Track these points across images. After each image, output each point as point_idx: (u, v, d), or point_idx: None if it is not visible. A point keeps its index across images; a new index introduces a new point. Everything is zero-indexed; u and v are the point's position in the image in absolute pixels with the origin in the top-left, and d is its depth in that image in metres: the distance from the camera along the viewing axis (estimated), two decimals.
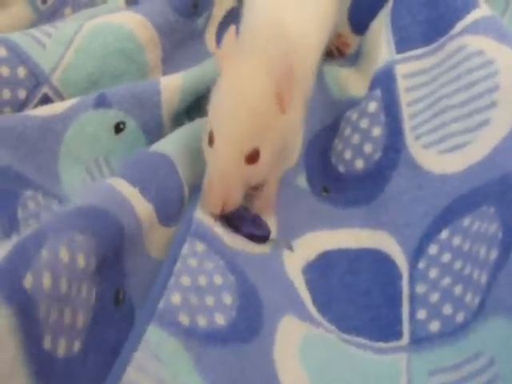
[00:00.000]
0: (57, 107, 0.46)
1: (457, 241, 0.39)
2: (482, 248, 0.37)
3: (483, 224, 0.38)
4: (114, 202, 0.36)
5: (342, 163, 0.46)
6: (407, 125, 0.45)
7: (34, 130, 0.44)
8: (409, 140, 0.44)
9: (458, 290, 0.37)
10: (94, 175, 0.46)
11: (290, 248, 0.42)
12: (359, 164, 0.46)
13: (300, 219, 0.44)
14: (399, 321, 0.39)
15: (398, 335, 0.38)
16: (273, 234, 0.42)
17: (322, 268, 0.42)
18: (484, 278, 0.35)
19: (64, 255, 0.31)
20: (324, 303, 0.40)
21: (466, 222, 0.39)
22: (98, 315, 0.33)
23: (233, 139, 0.37)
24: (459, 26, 0.44)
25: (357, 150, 0.46)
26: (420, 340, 0.37)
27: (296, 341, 0.36)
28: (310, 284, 0.41)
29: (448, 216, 0.40)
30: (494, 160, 0.39)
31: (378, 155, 0.45)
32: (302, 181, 0.46)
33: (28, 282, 0.29)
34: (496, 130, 0.40)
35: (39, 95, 0.48)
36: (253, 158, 0.38)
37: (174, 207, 0.39)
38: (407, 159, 0.44)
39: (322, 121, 0.48)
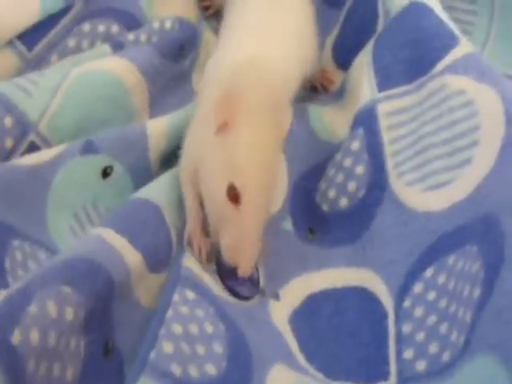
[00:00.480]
0: (44, 155, 0.46)
1: (442, 279, 0.39)
2: (465, 286, 0.37)
3: (467, 262, 0.38)
4: (102, 253, 0.36)
5: (325, 202, 0.46)
6: (390, 163, 0.45)
7: (21, 178, 0.44)
8: (392, 177, 0.44)
9: (443, 328, 0.37)
10: (82, 221, 0.46)
11: (277, 298, 0.42)
12: (343, 202, 0.46)
13: (286, 265, 0.43)
14: (386, 361, 0.38)
15: (385, 375, 0.38)
16: (261, 283, 0.41)
17: (308, 313, 0.42)
18: (468, 316, 0.35)
19: (52, 310, 0.31)
20: (311, 350, 0.40)
21: (451, 260, 0.39)
22: (87, 368, 0.33)
23: (267, 204, 0.39)
24: (440, 65, 0.45)
25: (341, 189, 0.46)
26: (407, 380, 0.37)
27: None
28: (297, 332, 0.40)
29: (433, 254, 0.40)
30: (477, 198, 0.39)
31: (361, 193, 0.45)
32: (287, 225, 0.46)
33: (16, 338, 0.29)
34: (478, 169, 0.40)
35: (26, 143, 0.48)
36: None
37: (162, 254, 0.39)
38: (391, 197, 0.44)
39: (308, 163, 0.48)
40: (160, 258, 0.39)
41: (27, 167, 0.45)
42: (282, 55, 0.46)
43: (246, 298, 0.40)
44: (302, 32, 0.50)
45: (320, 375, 0.38)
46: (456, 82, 0.43)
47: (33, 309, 0.30)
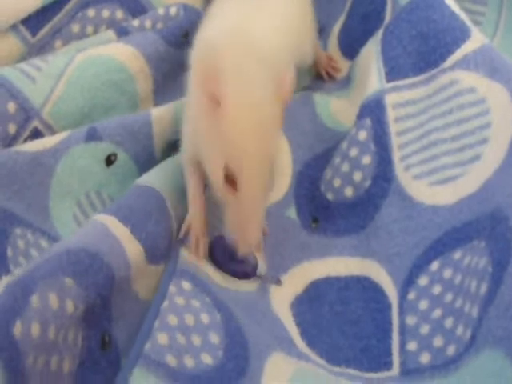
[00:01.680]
0: (47, 142, 0.46)
1: (447, 273, 0.39)
2: (472, 281, 0.37)
3: (474, 258, 0.37)
4: (105, 245, 0.35)
5: (330, 191, 0.46)
6: (396, 155, 0.45)
7: (24, 164, 0.44)
8: (398, 170, 0.44)
9: (448, 322, 0.37)
10: (85, 209, 0.46)
11: (279, 283, 0.41)
12: (348, 192, 0.45)
13: (289, 252, 0.43)
14: (389, 352, 0.38)
15: (388, 366, 0.38)
16: (262, 269, 0.41)
17: (311, 299, 0.41)
18: (475, 312, 0.35)
19: (53, 302, 0.31)
20: (313, 336, 0.40)
21: (457, 255, 0.39)
22: (85, 361, 0.33)
23: (264, 182, 0.36)
24: (450, 59, 0.44)
25: (346, 178, 0.46)
26: (410, 371, 0.37)
27: (284, 377, 0.36)
28: (299, 317, 0.40)
29: (439, 248, 0.40)
30: (486, 194, 0.39)
31: (367, 183, 0.45)
32: (291, 213, 0.46)
33: (17, 330, 0.29)
34: (487, 165, 0.40)
35: (29, 129, 0.48)
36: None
37: (162, 245, 0.39)
38: (397, 189, 0.44)
39: (313, 150, 0.48)
40: (159, 250, 0.39)
41: (30, 154, 0.45)
42: (269, 30, 0.42)
43: (246, 277, 0.40)
44: (293, 18, 0.48)
45: (322, 361, 0.38)
46: (467, 78, 0.43)
47: (35, 300, 0.30)
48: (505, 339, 0.32)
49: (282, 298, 0.41)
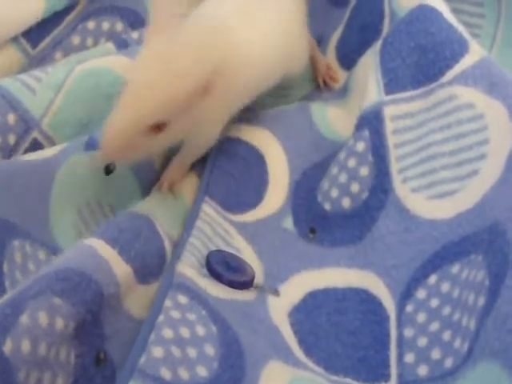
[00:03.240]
0: (47, 152, 0.46)
1: (445, 287, 0.39)
2: (470, 295, 0.37)
3: (472, 271, 0.37)
4: (92, 264, 0.36)
5: (328, 201, 0.46)
6: (394, 167, 0.45)
7: (24, 172, 0.44)
8: (396, 182, 0.44)
9: (446, 335, 0.37)
10: (86, 218, 0.46)
11: (276, 293, 0.42)
12: (346, 203, 0.45)
13: (286, 262, 0.43)
14: (387, 363, 0.38)
15: (386, 377, 0.38)
16: (259, 279, 0.41)
17: (308, 309, 0.41)
18: (473, 325, 0.35)
19: (43, 320, 0.31)
20: (311, 344, 0.39)
21: (455, 269, 0.39)
22: (79, 378, 0.33)
23: (138, 108, 0.38)
24: (449, 74, 0.44)
25: (344, 189, 0.46)
26: (408, 383, 0.37)
27: None
28: (297, 326, 0.40)
29: (436, 261, 0.40)
30: (483, 208, 0.39)
31: (365, 195, 0.45)
32: (288, 223, 0.46)
33: (8, 347, 0.29)
34: (485, 180, 0.40)
35: (29, 140, 0.48)
36: (159, 128, 0.39)
37: (153, 265, 0.39)
38: (394, 201, 0.44)
39: (310, 159, 0.48)
40: (150, 270, 0.39)
41: (30, 162, 0.45)
42: (259, 32, 0.45)
43: (243, 287, 0.40)
44: (286, 26, 0.49)
45: (319, 369, 0.38)
46: (465, 94, 0.43)
47: (24, 319, 0.31)
48: (501, 351, 0.32)
49: (280, 307, 0.41)
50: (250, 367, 0.35)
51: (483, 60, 0.44)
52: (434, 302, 0.39)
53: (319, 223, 0.46)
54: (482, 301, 0.35)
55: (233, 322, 0.37)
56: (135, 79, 0.39)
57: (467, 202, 0.40)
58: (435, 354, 0.37)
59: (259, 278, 0.42)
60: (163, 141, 0.41)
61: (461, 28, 0.46)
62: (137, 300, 0.38)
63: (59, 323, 0.32)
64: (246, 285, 0.41)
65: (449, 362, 0.36)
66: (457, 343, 0.36)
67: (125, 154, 0.39)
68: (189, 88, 0.39)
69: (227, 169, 0.47)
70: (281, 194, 0.46)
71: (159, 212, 0.42)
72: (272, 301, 0.41)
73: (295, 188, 0.47)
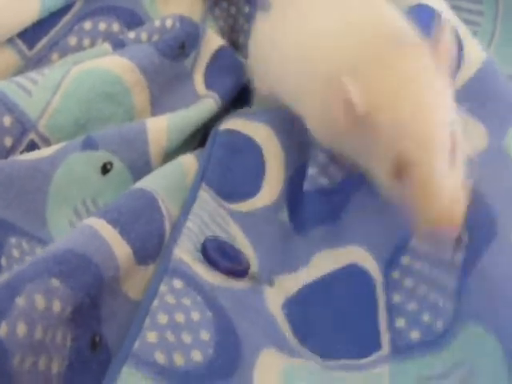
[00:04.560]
0: (44, 152, 0.46)
1: (424, 247, 0.38)
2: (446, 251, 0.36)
3: None
4: (92, 246, 0.36)
5: (308, 181, 0.46)
6: None
7: (21, 171, 0.44)
8: None
9: (433, 297, 0.37)
10: (82, 217, 0.46)
11: (271, 283, 0.42)
12: (324, 181, 0.46)
13: (280, 256, 0.44)
14: (378, 331, 0.38)
15: (377, 346, 0.38)
16: (253, 269, 0.42)
17: (303, 300, 0.42)
18: (453, 284, 0.35)
19: (39, 303, 0.31)
20: (305, 333, 0.40)
21: None
22: (74, 361, 0.33)
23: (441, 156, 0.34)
24: None
25: (323, 170, 0.46)
26: (401, 348, 0.37)
27: (276, 373, 0.36)
28: (291, 316, 0.41)
29: None
30: None
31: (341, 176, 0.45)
32: (283, 216, 0.46)
33: (3, 331, 0.29)
34: None
35: (26, 142, 0.48)
36: None
37: (153, 246, 0.39)
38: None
39: (305, 155, 0.48)
40: (149, 251, 0.39)
41: (28, 161, 0.45)
42: None
43: (239, 276, 0.40)
44: None
45: (315, 356, 0.38)
46: None
47: (21, 301, 0.30)
48: (486, 313, 0.32)
49: (275, 298, 0.41)
50: (245, 354, 0.35)
51: None
52: (418, 265, 0.39)
53: (298, 205, 0.46)
54: (460, 258, 0.35)
55: (228, 309, 0.37)
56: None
57: None
58: (426, 318, 0.37)
59: (254, 268, 0.42)
60: None
61: None
62: (135, 282, 0.38)
63: (56, 306, 0.32)
64: (241, 274, 0.41)
65: (439, 325, 0.36)
66: (443, 304, 0.36)
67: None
68: None
69: (224, 159, 0.47)
70: (276, 187, 0.47)
71: (162, 187, 0.42)
72: (267, 291, 0.41)
73: (290, 183, 0.47)
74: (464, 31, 0.47)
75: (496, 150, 0.40)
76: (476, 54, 0.45)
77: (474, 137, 0.41)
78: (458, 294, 0.35)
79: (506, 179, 0.38)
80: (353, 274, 0.42)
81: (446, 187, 0.33)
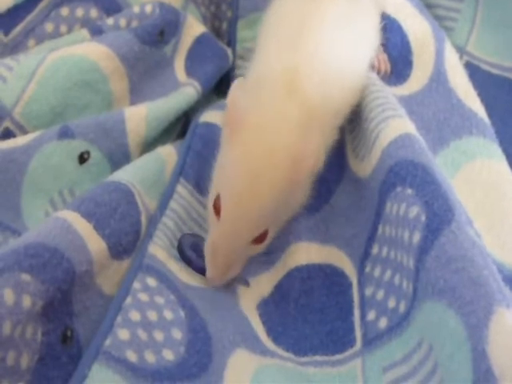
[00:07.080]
0: (19, 140, 0.46)
1: (387, 230, 0.39)
2: (404, 232, 0.36)
3: (401, 206, 0.37)
4: (65, 240, 0.35)
5: None
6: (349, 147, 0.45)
7: None
8: (350, 158, 0.45)
9: (396, 279, 0.37)
10: (58, 207, 0.45)
11: (246, 284, 0.41)
12: None
13: (256, 257, 0.42)
14: (352, 328, 0.38)
15: (352, 342, 0.38)
16: None
17: (277, 299, 0.41)
18: (412, 263, 0.35)
19: (8, 298, 0.30)
20: (279, 332, 0.39)
21: (388, 208, 0.39)
22: (45, 356, 0.32)
23: (244, 224, 0.37)
24: None
25: None
26: (371, 340, 0.37)
27: (248, 374, 0.35)
28: (265, 317, 0.40)
29: (379, 211, 0.40)
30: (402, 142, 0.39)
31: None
32: None
33: None
34: None
35: (0, 130, 0.47)
36: (261, 238, 0.38)
37: (128, 241, 0.39)
38: (350, 175, 0.44)
39: None
40: (125, 246, 0.38)
41: (2, 150, 0.44)
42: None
43: None
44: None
45: (289, 354, 0.38)
46: None
47: None
48: (447, 290, 0.31)
49: (249, 298, 0.41)
50: (216, 354, 0.35)
51: None
52: (384, 251, 0.39)
53: None
54: (417, 237, 0.35)
55: (201, 309, 0.37)
56: (235, 193, 0.37)
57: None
58: (391, 303, 0.37)
59: None
60: (265, 245, 0.40)
61: None
62: (109, 276, 0.37)
63: (26, 301, 0.31)
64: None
65: (402, 307, 0.36)
66: (404, 285, 0.36)
67: (232, 271, 0.39)
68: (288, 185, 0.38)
69: (203, 153, 0.47)
70: None
71: (139, 179, 0.42)
72: (241, 291, 0.41)
73: None
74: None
75: None
76: None
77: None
78: (416, 273, 0.34)
79: None
80: (329, 275, 0.41)
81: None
